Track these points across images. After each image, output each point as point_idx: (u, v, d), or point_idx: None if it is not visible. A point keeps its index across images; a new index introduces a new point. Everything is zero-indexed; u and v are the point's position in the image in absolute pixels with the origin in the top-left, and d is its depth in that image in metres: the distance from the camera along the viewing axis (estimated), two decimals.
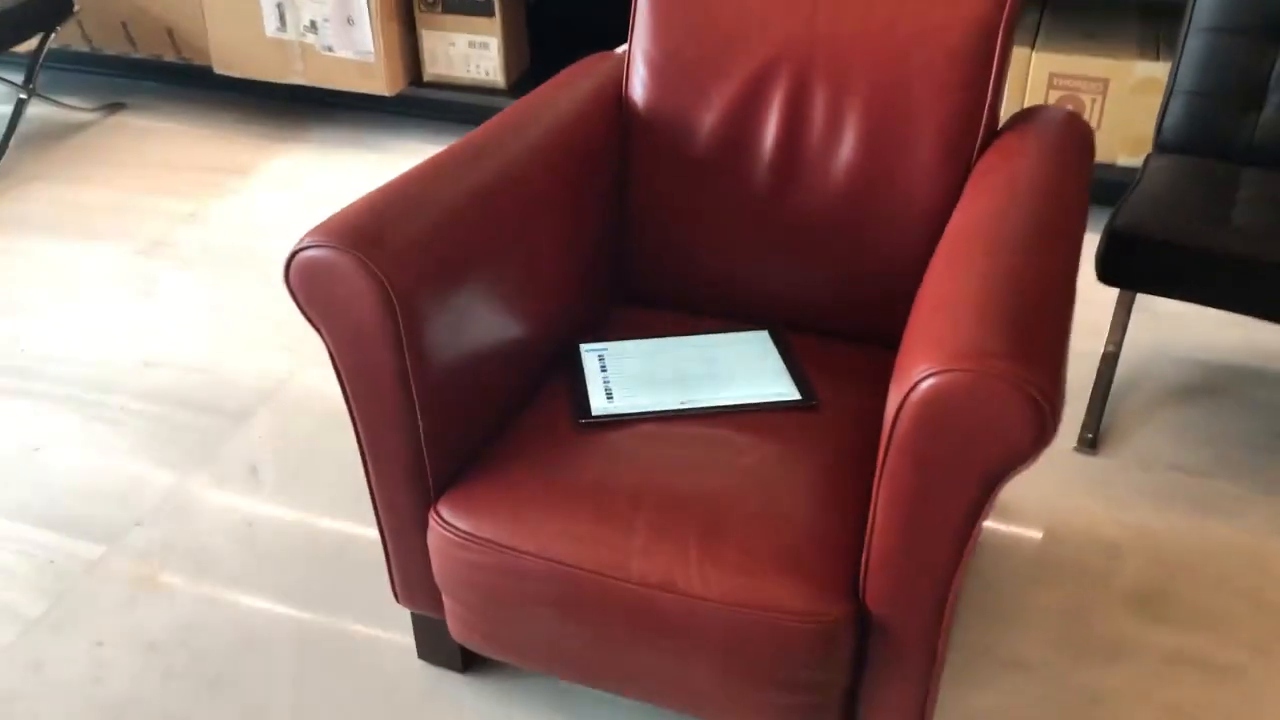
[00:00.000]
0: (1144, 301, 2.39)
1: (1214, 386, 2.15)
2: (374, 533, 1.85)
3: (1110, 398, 2.10)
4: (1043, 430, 1.03)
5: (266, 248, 2.67)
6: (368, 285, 1.24)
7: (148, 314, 2.44)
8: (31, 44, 3.13)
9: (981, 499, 1.10)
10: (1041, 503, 1.88)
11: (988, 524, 1.84)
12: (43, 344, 2.34)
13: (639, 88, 1.66)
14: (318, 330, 1.30)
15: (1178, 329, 2.31)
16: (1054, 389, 1.04)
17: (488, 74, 2.95)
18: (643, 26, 1.65)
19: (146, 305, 2.47)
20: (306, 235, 1.26)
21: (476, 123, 1.49)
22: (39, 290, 2.52)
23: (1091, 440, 2.00)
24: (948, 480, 1.09)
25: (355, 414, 1.35)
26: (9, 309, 2.46)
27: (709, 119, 1.62)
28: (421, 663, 1.62)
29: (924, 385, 1.05)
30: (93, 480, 1.98)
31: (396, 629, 1.67)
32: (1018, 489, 1.91)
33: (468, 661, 1.60)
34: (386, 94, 3.00)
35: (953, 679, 1.58)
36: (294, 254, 1.26)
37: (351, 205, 1.31)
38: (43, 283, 2.55)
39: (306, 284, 1.27)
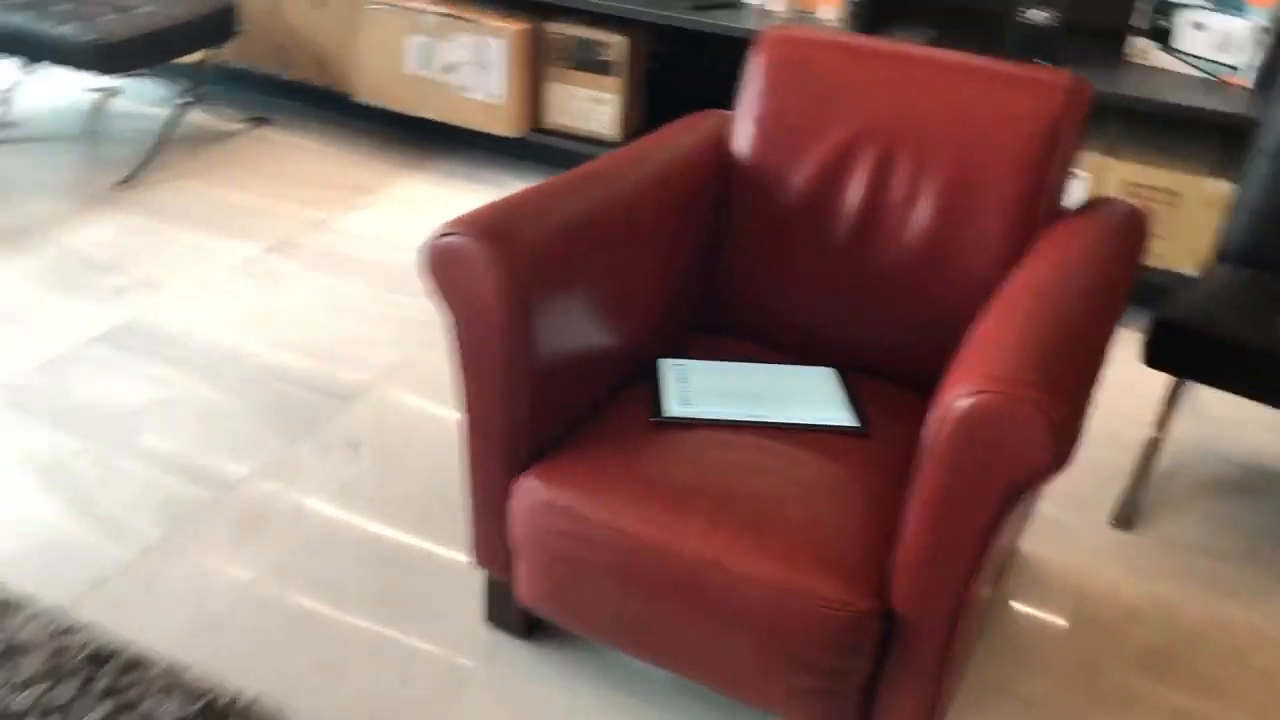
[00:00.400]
0: (1194, 402, 2.51)
1: (1251, 485, 2.26)
2: (451, 507, 2.04)
3: (1150, 483, 2.23)
4: (1059, 453, 1.19)
5: (384, 258, 2.92)
6: (493, 272, 1.45)
7: (274, 303, 2.69)
8: (196, 57, 3.47)
9: (1000, 511, 1.26)
10: (1071, 568, 2.01)
11: (1018, 600, 1.97)
12: (179, 318, 2.60)
13: (743, 142, 1.87)
14: (443, 307, 1.51)
15: (1223, 429, 2.43)
16: (1073, 420, 1.20)
17: (603, 128, 3.20)
18: (754, 90, 1.86)
19: (273, 296, 2.72)
20: (446, 224, 1.47)
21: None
22: (181, 271, 2.80)
23: (1126, 518, 2.12)
24: (972, 491, 1.25)
25: (465, 386, 1.56)
26: (153, 284, 2.73)
27: (802, 176, 1.82)
28: (487, 627, 1.80)
29: (960, 403, 1.22)
30: (212, 435, 2.21)
31: (468, 594, 1.86)
32: (1051, 553, 2.04)
33: (530, 630, 1.78)
34: (509, 135, 3.27)
35: (966, 709, 1.71)
36: (434, 239, 1.47)
37: (486, 205, 1.53)
38: (185, 266, 2.83)
39: (441, 265, 1.48)
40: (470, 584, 1.89)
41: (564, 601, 1.57)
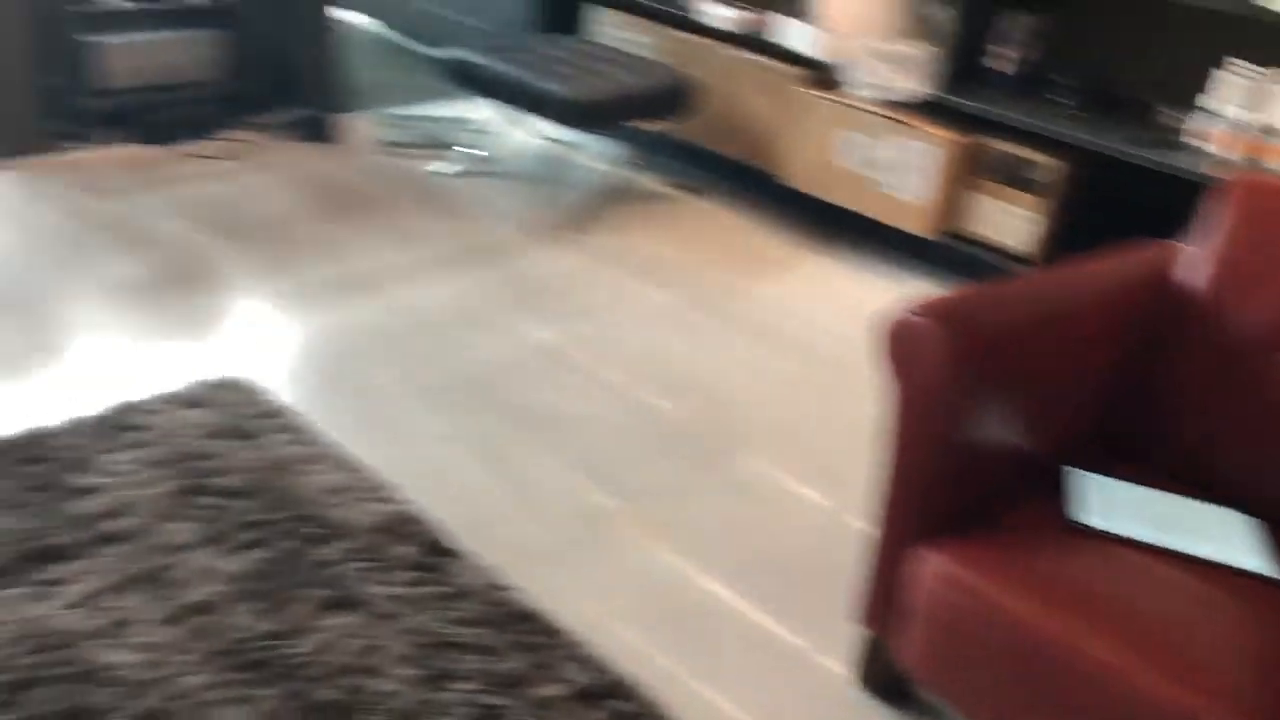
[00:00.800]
0: None
1: None
2: (826, 565, 2.18)
3: None
4: None
5: (789, 329, 3.13)
6: (946, 355, 1.58)
7: (687, 350, 2.97)
8: (649, 124, 3.88)
9: None
10: None
11: None
12: (607, 347, 2.93)
13: (1196, 279, 1.90)
14: (892, 379, 1.67)
15: None
16: None
17: (1019, 242, 3.27)
18: (1217, 230, 1.89)
19: (688, 343, 3.00)
20: (912, 305, 1.63)
21: (988, 281, 1.83)
22: (612, 307, 3.15)
23: None
24: None
25: (894, 453, 1.70)
26: (587, 314, 3.09)
27: (1257, 322, 1.82)
28: (854, 688, 1.91)
29: None
30: (619, 452, 2.48)
31: (839, 653, 1.98)
32: None
33: (897, 697, 1.87)
34: (920, 235, 3.41)
35: None
36: (898, 316, 1.63)
37: (948, 295, 1.67)
38: (615, 303, 3.17)
39: (899, 341, 1.64)
40: (816, 653, 2.01)
41: (948, 674, 1.66)
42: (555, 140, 4.28)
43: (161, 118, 3.87)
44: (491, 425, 2.54)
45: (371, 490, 2.20)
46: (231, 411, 2.39)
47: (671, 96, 3.76)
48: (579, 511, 2.28)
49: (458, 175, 3.93)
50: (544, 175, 4.05)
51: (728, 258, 3.56)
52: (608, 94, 3.59)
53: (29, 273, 2.98)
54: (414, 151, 4.07)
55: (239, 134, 3.98)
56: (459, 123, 4.33)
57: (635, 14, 4.17)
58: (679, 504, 2.34)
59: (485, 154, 4.11)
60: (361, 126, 4.20)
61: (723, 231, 3.75)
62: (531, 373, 2.77)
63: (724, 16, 3.86)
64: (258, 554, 1.99)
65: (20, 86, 3.52)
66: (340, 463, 2.27)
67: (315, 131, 4.03)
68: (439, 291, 3.13)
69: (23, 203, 3.35)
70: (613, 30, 4.24)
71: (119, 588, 1.87)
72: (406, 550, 2.04)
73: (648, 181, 4.08)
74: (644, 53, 4.03)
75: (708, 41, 3.94)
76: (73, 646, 1.75)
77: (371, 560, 2.01)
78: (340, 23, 4.19)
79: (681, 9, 4.00)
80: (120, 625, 1.80)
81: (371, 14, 5.31)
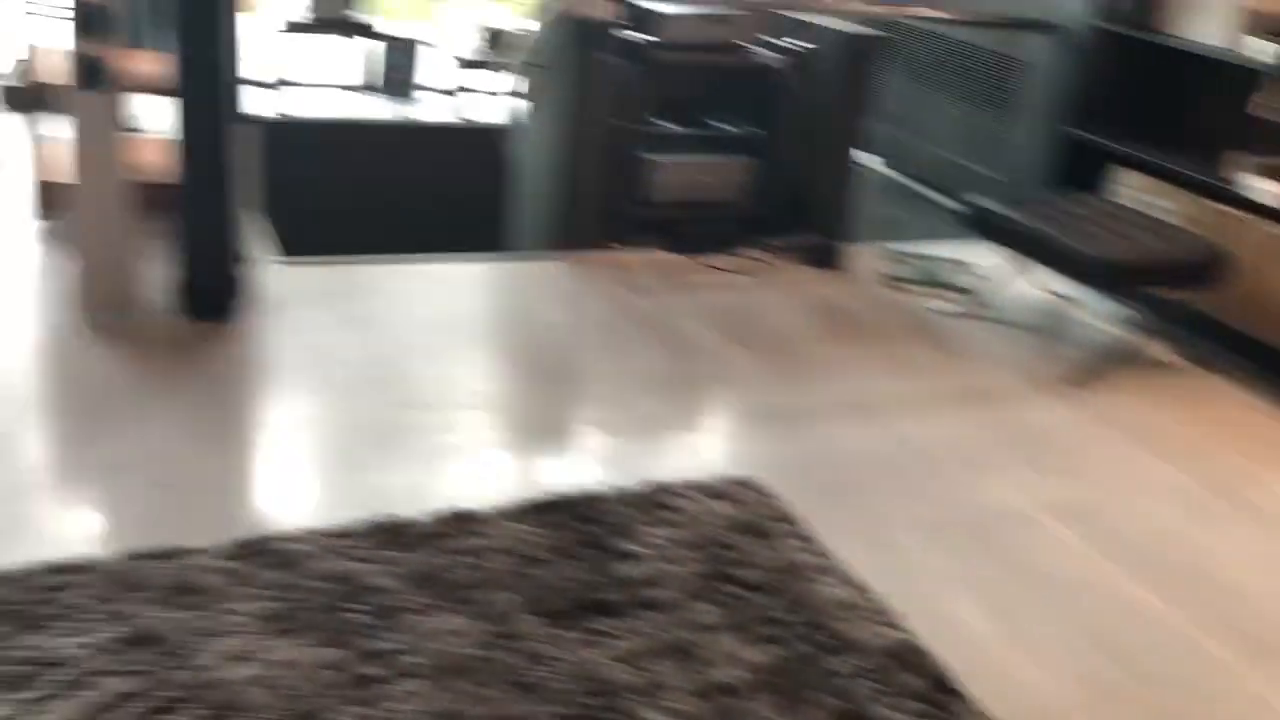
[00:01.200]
0: None
1: None
2: None
3: None
4: None
5: None
6: None
7: (1196, 531, 2.79)
8: (1165, 292, 3.74)
9: None
10: None
11: None
12: (1102, 512, 2.82)
13: None
14: None
15: None
16: None
17: None
18: None
19: (1197, 525, 2.82)
20: None
21: None
22: (1110, 473, 3.04)
23: None
24: None
25: None
26: (1084, 474, 3.01)
27: None
28: None
29: None
30: (1123, 629, 2.37)
31: None
32: None
33: None
34: None
35: None
36: None
37: None
38: (1114, 469, 3.06)
39: None
40: None
41: None
42: (1059, 295, 4.22)
43: (691, 230, 4.28)
44: (990, 571, 2.52)
45: (877, 613, 2.27)
46: (750, 509, 2.56)
47: (1200, 267, 3.60)
48: (1082, 681, 2.21)
49: (957, 315, 3.99)
50: (1045, 328, 4.00)
51: (1245, 442, 3.31)
52: (1134, 257, 3.51)
53: (574, 350, 3.41)
54: (914, 287, 4.19)
55: (755, 252, 4.30)
56: (960, 265, 4.40)
57: (1162, 178, 4.05)
58: (1184, 701, 2.19)
59: (987, 298, 4.14)
60: (865, 258, 4.39)
61: (1240, 413, 3.50)
62: (1030, 525, 2.73)
63: (1271, 192, 3.65)
64: (775, 650, 2.11)
65: (594, 193, 4.06)
66: (846, 579, 2.36)
67: (823, 258, 4.27)
68: (935, 426, 3.18)
69: (576, 290, 3.84)
70: (1134, 193, 4.14)
71: (656, 652, 2.06)
72: (914, 681, 2.08)
73: (1157, 349, 3.90)
74: (1169, 219, 3.90)
75: (1243, 214, 3.73)
76: (618, 696, 1.95)
77: (880, 683, 2.06)
78: (858, 163, 4.44)
79: (1219, 179, 3.83)
80: (656, 687, 1.98)
81: (888, 158, 5.56)
